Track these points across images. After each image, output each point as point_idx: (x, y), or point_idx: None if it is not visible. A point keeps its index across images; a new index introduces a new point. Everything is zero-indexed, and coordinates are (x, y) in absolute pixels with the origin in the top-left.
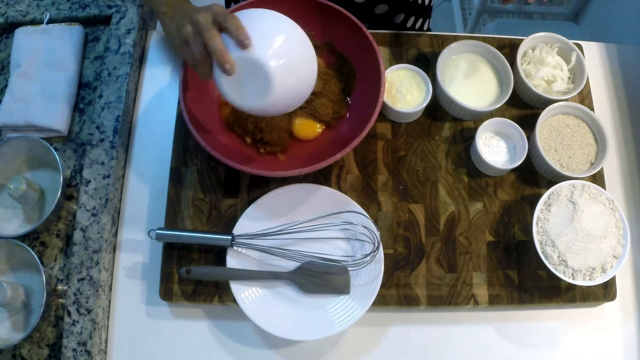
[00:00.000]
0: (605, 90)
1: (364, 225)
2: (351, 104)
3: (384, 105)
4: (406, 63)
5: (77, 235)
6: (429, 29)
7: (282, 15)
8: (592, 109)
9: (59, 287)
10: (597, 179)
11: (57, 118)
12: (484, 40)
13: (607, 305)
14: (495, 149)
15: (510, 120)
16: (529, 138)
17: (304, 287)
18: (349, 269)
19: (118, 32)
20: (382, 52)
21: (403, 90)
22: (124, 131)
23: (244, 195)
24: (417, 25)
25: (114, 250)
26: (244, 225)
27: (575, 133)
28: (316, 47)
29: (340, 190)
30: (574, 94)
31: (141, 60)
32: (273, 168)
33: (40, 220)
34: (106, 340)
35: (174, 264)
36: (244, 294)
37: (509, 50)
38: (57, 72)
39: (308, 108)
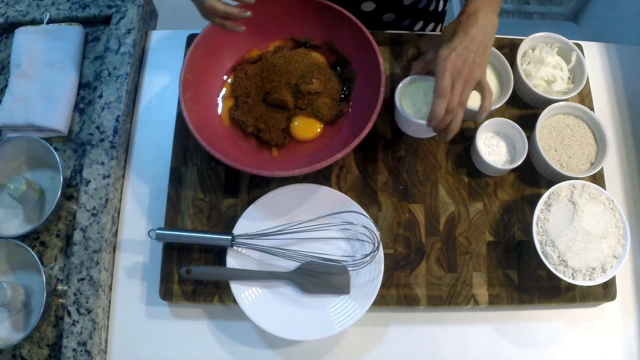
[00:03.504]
0: (605, 90)
1: (364, 225)
2: (351, 104)
3: (402, 118)
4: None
5: (77, 235)
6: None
7: None
8: (592, 109)
9: (59, 287)
10: (597, 179)
11: (57, 118)
12: None
13: (607, 305)
14: (495, 149)
15: (510, 120)
16: (529, 138)
17: (304, 287)
18: (349, 269)
19: (118, 32)
20: (382, 52)
21: (419, 102)
22: (124, 131)
23: (244, 195)
24: (429, 29)
25: (114, 250)
26: (244, 225)
27: (575, 133)
28: (316, 47)
29: (340, 190)
30: (574, 94)
31: (141, 60)
32: (273, 168)
33: (40, 220)
34: (106, 340)
35: (174, 264)
36: (244, 294)
37: (509, 50)
38: (57, 72)
39: (309, 108)
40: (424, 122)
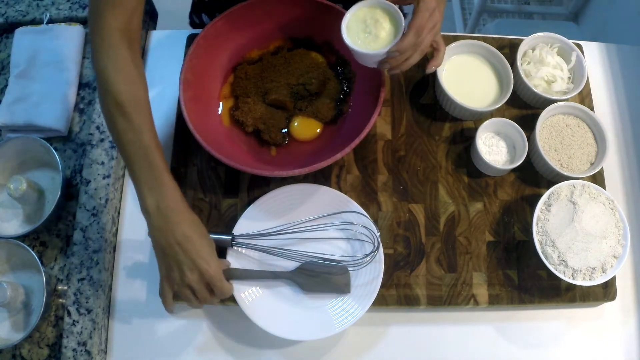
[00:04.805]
0: (605, 90)
1: (364, 225)
2: (351, 104)
3: (353, 52)
4: None
5: (77, 235)
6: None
7: None
8: (592, 109)
9: (59, 287)
10: (597, 179)
11: (57, 118)
12: (484, 40)
13: (607, 305)
14: (495, 149)
15: (510, 120)
16: (529, 138)
17: (304, 287)
18: (349, 269)
19: None
20: None
21: (372, 30)
22: None
23: (244, 195)
24: None
25: (114, 250)
26: (244, 225)
27: (575, 133)
28: (316, 47)
29: (340, 190)
30: (574, 94)
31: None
32: (273, 168)
33: (40, 220)
34: (106, 340)
35: None
36: (244, 294)
37: (509, 50)
38: (57, 72)
39: (309, 108)
40: (376, 52)
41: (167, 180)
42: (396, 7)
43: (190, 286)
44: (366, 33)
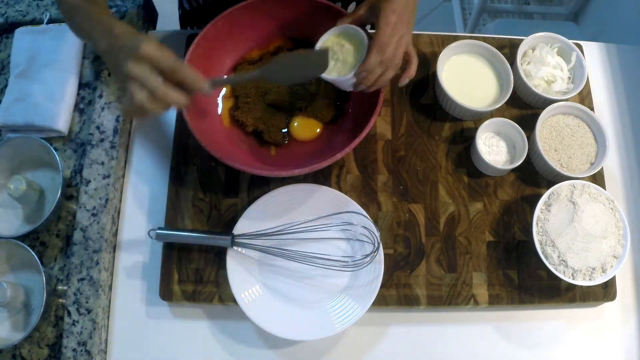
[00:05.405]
0: (605, 90)
1: (364, 225)
2: (351, 104)
3: (326, 80)
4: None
5: (77, 235)
6: None
7: None
8: (592, 109)
9: (59, 287)
10: (597, 179)
11: (57, 118)
12: (484, 40)
13: (607, 305)
14: (495, 149)
15: (510, 120)
16: (529, 138)
17: (282, 80)
18: (350, 269)
19: None
20: None
21: (339, 56)
22: (124, 131)
23: (244, 195)
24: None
25: (114, 250)
26: (244, 225)
27: (575, 133)
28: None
29: (340, 190)
30: (574, 94)
31: None
32: (273, 168)
33: (40, 220)
34: (106, 340)
35: (174, 264)
36: (244, 294)
37: (509, 50)
38: (57, 72)
39: (309, 108)
40: (345, 78)
41: (109, 22)
42: (359, 29)
43: (131, 73)
44: (335, 60)
